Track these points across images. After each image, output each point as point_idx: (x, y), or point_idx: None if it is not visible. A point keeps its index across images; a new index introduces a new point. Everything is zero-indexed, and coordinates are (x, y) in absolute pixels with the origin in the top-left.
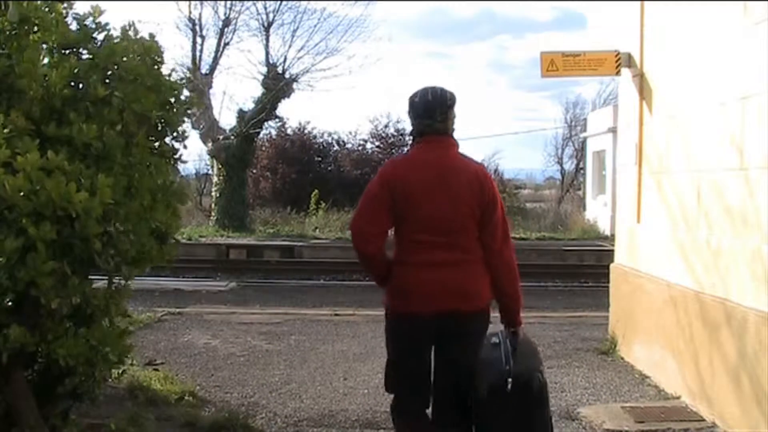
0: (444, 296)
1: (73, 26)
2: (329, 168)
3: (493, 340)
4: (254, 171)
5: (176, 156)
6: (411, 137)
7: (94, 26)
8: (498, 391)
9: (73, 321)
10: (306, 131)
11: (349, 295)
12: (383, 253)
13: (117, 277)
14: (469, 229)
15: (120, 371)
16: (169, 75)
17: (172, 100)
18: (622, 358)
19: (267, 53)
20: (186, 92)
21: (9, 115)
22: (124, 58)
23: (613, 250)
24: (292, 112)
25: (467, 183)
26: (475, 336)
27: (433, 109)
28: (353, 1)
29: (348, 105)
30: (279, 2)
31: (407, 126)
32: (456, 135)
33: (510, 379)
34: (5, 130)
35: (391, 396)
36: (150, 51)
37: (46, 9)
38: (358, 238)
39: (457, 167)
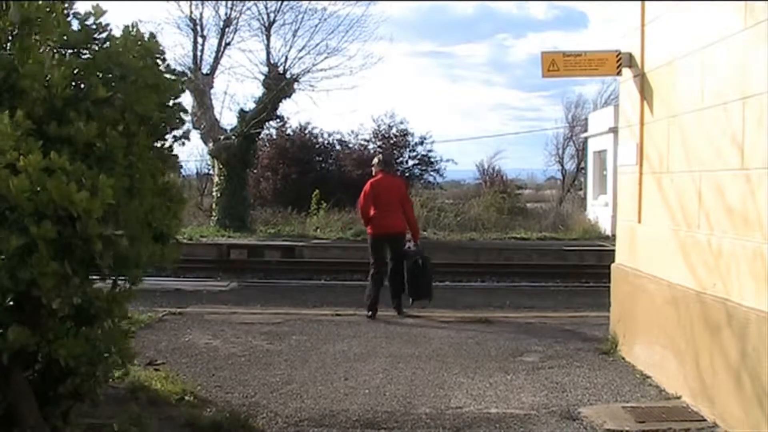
0: (390, 227)
1: (75, 26)
2: (330, 168)
3: (412, 247)
4: (255, 171)
5: (176, 156)
6: (379, 169)
7: (95, 27)
8: (416, 263)
9: (74, 321)
10: (307, 131)
11: (350, 295)
12: (369, 213)
13: (121, 279)
14: (397, 204)
15: (122, 373)
16: (168, 72)
17: (171, 97)
18: (623, 358)
19: (268, 53)
20: (187, 94)
21: (12, 116)
22: (125, 60)
23: (614, 250)
24: (294, 112)
25: (396, 188)
26: (401, 242)
27: (384, 162)
28: (354, 1)
29: (349, 105)
30: (280, 2)
31: (409, 128)
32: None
33: (419, 259)
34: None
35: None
36: (150, 51)
37: (48, 9)
38: (362, 210)
39: (394, 183)
